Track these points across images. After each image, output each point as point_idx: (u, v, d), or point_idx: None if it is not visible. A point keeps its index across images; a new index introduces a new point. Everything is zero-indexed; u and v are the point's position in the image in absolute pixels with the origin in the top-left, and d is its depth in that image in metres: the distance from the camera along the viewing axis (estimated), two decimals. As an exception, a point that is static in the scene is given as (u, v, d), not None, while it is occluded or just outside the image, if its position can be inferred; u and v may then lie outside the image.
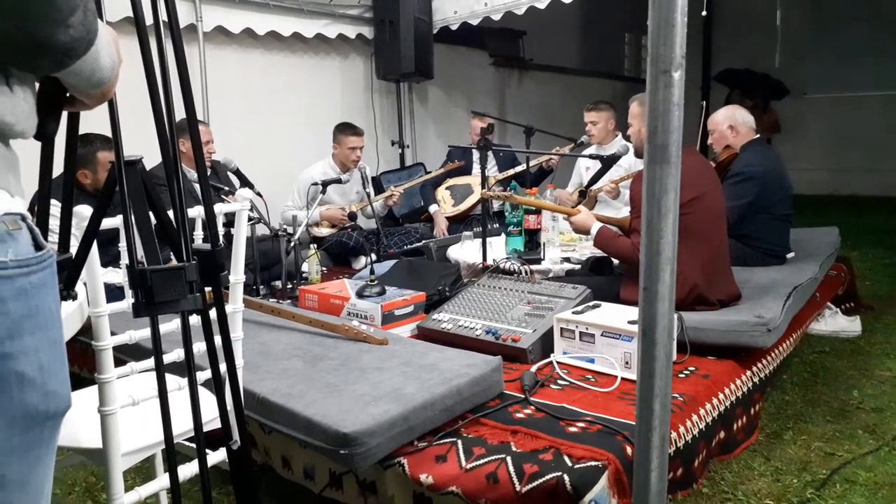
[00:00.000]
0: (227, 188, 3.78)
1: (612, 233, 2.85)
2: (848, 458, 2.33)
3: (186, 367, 1.11)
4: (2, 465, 0.73)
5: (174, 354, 1.39)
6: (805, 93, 9.31)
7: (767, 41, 9.23)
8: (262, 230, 3.62)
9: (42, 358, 0.75)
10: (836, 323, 3.61)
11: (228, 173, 3.96)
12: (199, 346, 1.27)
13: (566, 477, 1.63)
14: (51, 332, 0.77)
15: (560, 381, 2.30)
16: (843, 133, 8.92)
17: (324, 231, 4.52)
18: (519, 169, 4.82)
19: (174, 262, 1.05)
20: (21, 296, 0.73)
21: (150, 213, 1.06)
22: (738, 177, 3.28)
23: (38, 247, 0.77)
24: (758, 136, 3.58)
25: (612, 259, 3.20)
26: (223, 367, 1.23)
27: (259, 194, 3.72)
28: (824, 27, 8.94)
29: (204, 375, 1.40)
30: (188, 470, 1.41)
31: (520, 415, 2.00)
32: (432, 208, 5.02)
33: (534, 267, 3.10)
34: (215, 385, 1.22)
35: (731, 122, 3.53)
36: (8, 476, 0.73)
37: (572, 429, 1.89)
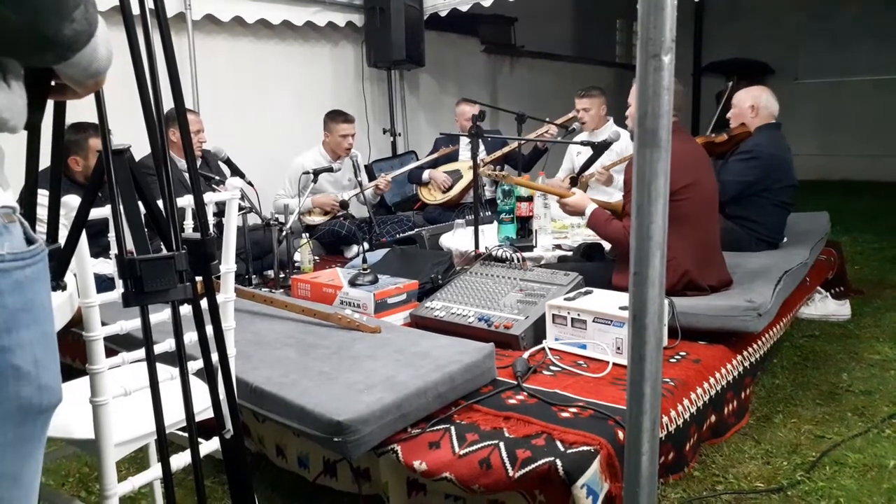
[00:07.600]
0: (217, 177, 3.76)
1: (605, 214, 2.84)
2: (837, 440, 2.35)
3: (178, 357, 1.11)
4: None
5: (166, 344, 1.39)
6: (797, 78, 9.33)
7: (759, 27, 9.26)
8: (253, 219, 3.61)
9: (36, 351, 0.75)
10: (825, 307, 3.64)
11: (219, 162, 3.93)
12: (192, 336, 1.27)
13: (558, 462, 1.64)
14: (44, 326, 0.78)
15: (552, 367, 2.31)
16: (834, 118, 8.95)
17: (316, 219, 4.51)
18: (507, 149, 4.79)
19: (164, 252, 1.04)
20: (17, 289, 0.73)
21: (140, 203, 1.06)
22: (746, 154, 3.25)
23: (29, 240, 0.77)
24: (774, 121, 3.53)
25: (604, 245, 3.21)
26: (215, 357, 1.23)
27: (250, 183, 3.71)
28: (815, 12, 8.95)
29: (196, 365, 1.40)
30: (181, 459, 1.41)
31: (512, 401, 2.02)
32: (425, 175, 5.06)
33: (526, 254, 3.10)
34: (207, 375, 1.22)
35: (754, 103, 3.49)
36: (2, 470, 0.74)
37: (564, 414, 1.90)
